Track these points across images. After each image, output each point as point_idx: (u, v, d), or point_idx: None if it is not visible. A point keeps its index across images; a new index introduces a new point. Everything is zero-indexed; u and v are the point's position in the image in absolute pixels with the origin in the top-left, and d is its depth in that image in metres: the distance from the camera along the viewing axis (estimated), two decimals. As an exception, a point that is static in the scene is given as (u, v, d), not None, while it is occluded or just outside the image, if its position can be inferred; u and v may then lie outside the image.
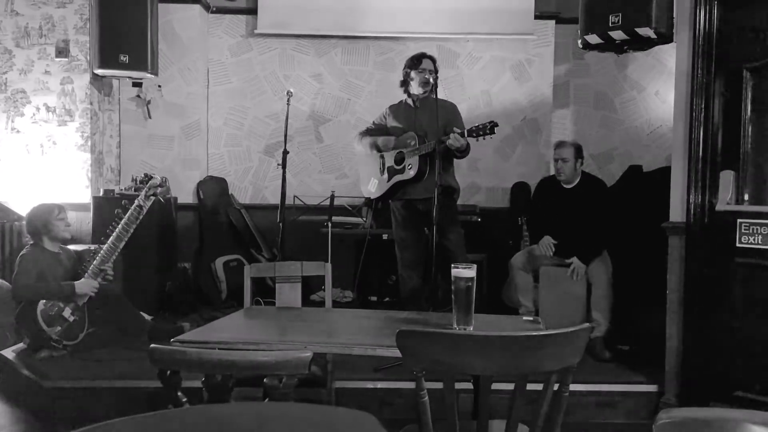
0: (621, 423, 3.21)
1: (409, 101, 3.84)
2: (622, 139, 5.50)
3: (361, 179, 4.03)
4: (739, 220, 2.87)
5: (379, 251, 4.77)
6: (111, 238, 3.64)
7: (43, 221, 3.66)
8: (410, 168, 3.66)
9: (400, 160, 3.74)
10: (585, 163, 4.09)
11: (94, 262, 3.64)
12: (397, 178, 3.74)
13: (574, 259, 3.82)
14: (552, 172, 4.16)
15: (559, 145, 4.01)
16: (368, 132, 3.93)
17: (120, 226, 3.63)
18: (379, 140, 3.80)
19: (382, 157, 3.84)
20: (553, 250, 3.90)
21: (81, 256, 3.81)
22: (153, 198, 3.74)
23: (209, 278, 5.07)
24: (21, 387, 3.38)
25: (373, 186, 3.89)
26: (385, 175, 3.81)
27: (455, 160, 3.81)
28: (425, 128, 3.66)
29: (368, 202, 4.09)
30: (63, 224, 3.73)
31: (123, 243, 3.66)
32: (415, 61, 3.76)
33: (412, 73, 3.76)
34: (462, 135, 3.45)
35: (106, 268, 3.64)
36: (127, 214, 3.65)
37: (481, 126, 3.44)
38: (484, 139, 3.48)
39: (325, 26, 5.34)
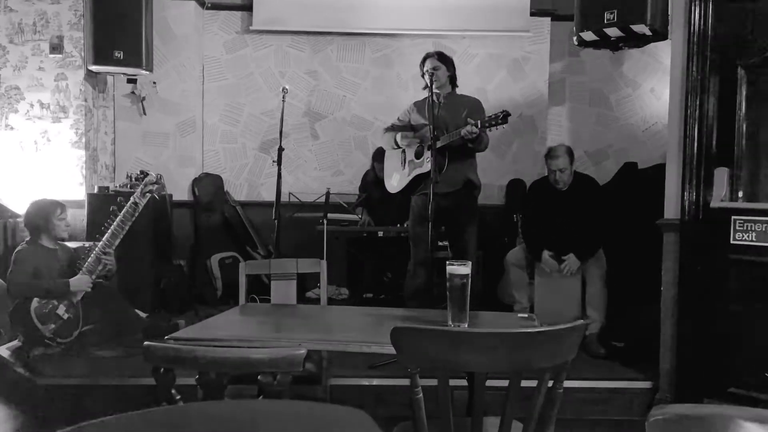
0: (615, 419, 3.22)
1: (433, 97, 3.83)
2: (618, 136, 5.50)
3: (386, 175, 4.04)
4: (733, 217, 2.88)
5: (374, 248, 4.77)
6: (106, 235, 3.63)
7: (45, 219, 3.65)
8: (428, 161, 3.68)
9: (419, 153, 3.75)
10: (580, 160, 4.09)
11: (89, 259, 3.63)
12: (416, 171, 3.76)
13: (570, 256, 3.82)
14: (546, 172, 4.15)
15: (553, 155, 3.93)
16: (392, 128, 3.93)
17: (115, 223, 3.62)
18: (398, 136, 3.81)
19: (403, 152, 3.86)
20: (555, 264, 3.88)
21: (76, 254, 3.80)
22: (149, 195, 3.72)
23: (204, 275, 5.06)
24: (15, 384, 3.37)
25: (395, 180, 3.91)
26: (406, 169, 3.83)
27: (477, 154, 3.83)
28: (447, 123, 3.67)
29: (365, 201, 4.09)
30: (63, 224, 3.73)
31: (118, 240, 3.65)
32: (421, 64, 3.78)
33: (425, 77, 3.75)
34: (475, 125, 3.48)
35: (108, 255, 3.61)
36: (123, 212, 3.63)
37: (493, 116, 3.48)
38: (497, 129, 3.52)
39: (320, 23, 5.32)
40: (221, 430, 0.96)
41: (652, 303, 3.29)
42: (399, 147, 3.84)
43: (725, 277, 2.92)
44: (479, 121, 3.49)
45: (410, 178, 3.79)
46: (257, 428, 0.98)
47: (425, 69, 3.73)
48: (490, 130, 3.56)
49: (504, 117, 3.45)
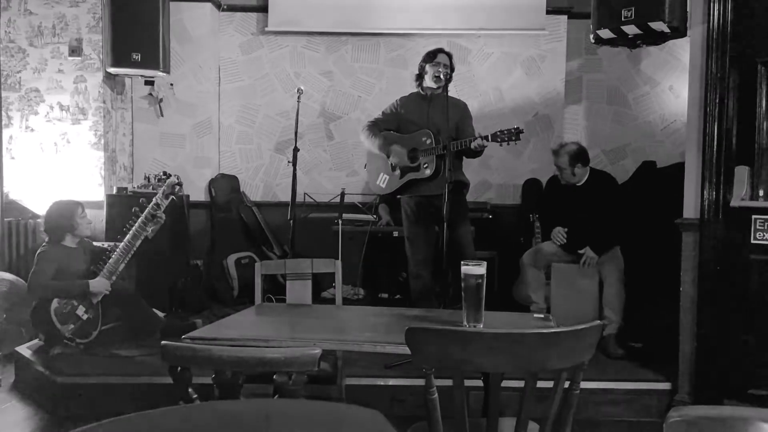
0: (634, 421, 3.19)
1: (422, 93, 3.83)
2: (636, 134, 5.45)
3: (369, 173, 3.98)
4: (753, 216, 2.84)
5: (389, 248, 4.76)
6: (127, 237, 3.65)
7: (69, 219, 3.71)
8: (426, 167, 3.65)
9: (413, 158, 3.72)
10: (597, 159, 4.05)
11: (110, 260, 3.67)
12: (412, 176, 3.72)
13: (587, 249, 3.81)
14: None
15: (556, 152, 3.97)
16: (377, 125, 3.87)
17: (137, 224, 3.64)
18: (393, 155, 3.74)
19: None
20: (565, 238, 3.88)
21: (97, 249, 3.84)
22: (171, 197, 3.74)
23: (221, 275, 5.10)
24: (35, 383, 3.42)
25: (383, 182, 3.86)
26: (397, 172, 3.78)
27: (465, 158, 3.81)
28: (438, 125, 3.64)
29: (390, 200, 4.06)
30: (86, 222, 3.79)
31: (139, 241, 3.66)
32: (431, 55, 3.78)
33: (427, 67, 3.76)
34: (486, 139, 3.47)
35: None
36: (144, 213, 3.65)
37: (506, 131, 3.45)
38: (508, 144, 3.49)
39: (335, 23, 5.33)
40: (236, 428, 0.97)
41: (670, 303, 3.25)
42: (389, 159, 3.77)
43: (745, 277, 2.88)
44: (489, 135, 3.47)
45: (403, 181, 3.76)
46: (271, 427, 0.99)
47: (436, 60, 3.71)
48: (501, 145, 3.54)
49: (517, 134, 3.43)
